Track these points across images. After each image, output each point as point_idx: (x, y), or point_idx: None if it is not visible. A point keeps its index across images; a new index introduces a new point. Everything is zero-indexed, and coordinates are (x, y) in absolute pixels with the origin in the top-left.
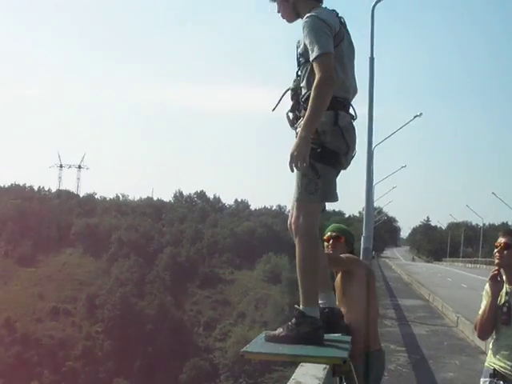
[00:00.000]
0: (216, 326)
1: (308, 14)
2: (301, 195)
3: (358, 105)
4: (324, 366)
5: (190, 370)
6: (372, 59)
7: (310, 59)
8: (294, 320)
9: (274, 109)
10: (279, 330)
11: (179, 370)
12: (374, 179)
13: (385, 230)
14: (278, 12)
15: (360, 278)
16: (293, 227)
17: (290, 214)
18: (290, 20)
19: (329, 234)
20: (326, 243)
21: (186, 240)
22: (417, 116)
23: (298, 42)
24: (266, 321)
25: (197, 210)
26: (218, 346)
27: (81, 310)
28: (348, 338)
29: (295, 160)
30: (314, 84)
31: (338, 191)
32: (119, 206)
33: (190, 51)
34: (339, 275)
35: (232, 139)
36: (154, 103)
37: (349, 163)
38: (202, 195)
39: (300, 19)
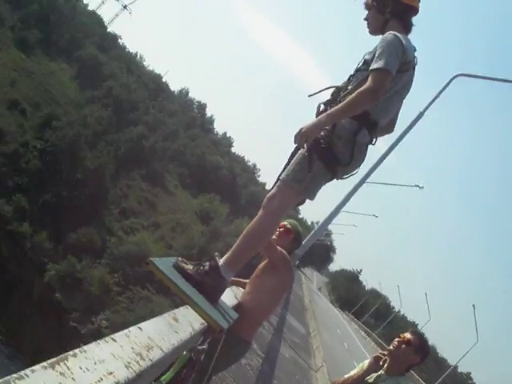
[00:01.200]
0: (129, 216)
1: (392, 32)
2: (287, 177)
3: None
4: (203, 321)
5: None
6: (421, 114)
7: (370, 68)
8: (207, 267)
9: (310, 95)
10: (188, 267)
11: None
12: (346, 206)
13: (319, 253)
14: (365, 20)
15: (281, 277)
16: (265, 200)
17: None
18: (374, 33)
19: (285, 223)
20: (280, 230)
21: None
22: (417, 186)
23: (367, 53)
24: (171, 245)
25: (187, 117)
26: (120, 234)
27: None
28: (235, 315)
29: (301, 135)
30: (359, 89)
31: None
32: None
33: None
34: (265, 262)
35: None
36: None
37: (343, 176)
38: (201, 107)
39: (380, 35)
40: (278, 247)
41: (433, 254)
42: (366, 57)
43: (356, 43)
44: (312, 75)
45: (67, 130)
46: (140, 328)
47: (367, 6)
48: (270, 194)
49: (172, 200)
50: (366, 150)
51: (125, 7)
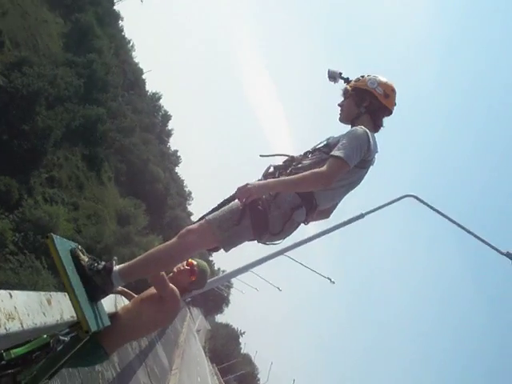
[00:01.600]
0: (55, 187)
1: (363, 127)
2: (214, 220)
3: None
4: (74, 316)
5: None
6: (362, 215)
7: (332, 153)
8: (101, 266)
9: (262, 155)
10: (84, 258)
11: None
12: (256, 268)
13: (213, 299)
14: (339, 105)
15: (165, 313)
16: (183, 230)
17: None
18: (344, 120)
19: (195, 263)
20: (184, 263)
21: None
22: (329, 280)
23: (331, 137)
24: (80, 230)
25: (148, 120)
26: (39, 199)
27: None
28: (107, 323)
29: (245, 190)
30: (315, 170)
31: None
32: None
33: None
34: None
35: None
36: None
37: (266, 242)
38: (166, 117)
39: (348, 125)
40: (171, 284)
41: (316, 346)
42: (330, 140)
43: (323, 121)
44: (279, 135)
45: (35, 80)
46: (11, 295)
47: (345, 94)
48: (191, 226)
49: (100, 190)
50: (298, 226)
51: None
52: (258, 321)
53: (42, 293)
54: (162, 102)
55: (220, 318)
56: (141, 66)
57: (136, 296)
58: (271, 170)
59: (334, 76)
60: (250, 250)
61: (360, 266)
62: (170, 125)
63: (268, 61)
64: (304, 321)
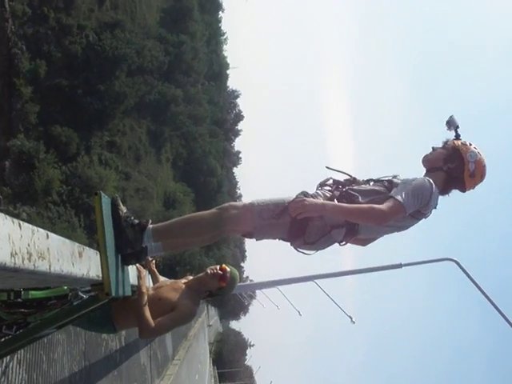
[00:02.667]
0: (113, 152)
1: (431, 180)
2: (257, 205)
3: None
4: (100, 276)
5: None
6: (400, 265)
7: (392, 194)
8: (136, 221)
9: (329, 168)
10: (123, 209)
11: None
12: (283, 286)
13: (233, 304)
14: (432, 148)
15: (182, 313)
16: (226, 204)
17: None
18: (425, 163)
19: (228, 269)
20: (218, 267)
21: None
22: (350, 318)
23: (398, 176)
24: (126, 201)
25: (221, 115)
26: (94, 159)
27: None
28: (129, 293)
29: (302, 205)
30: (376, 205)
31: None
32: None
33: None
34: (183, 290)
35: None
36: None
37: (297, 249)
38: (238, 118)
39: (426, 177)
40: (187, 300)
41: (318, 380)
42: (395, 180)
43: (395, 151)
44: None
45: (123, 45)
46: (48, 235)
47: (444, 145)
48: (234, 203)
49: (155, 168)
50: (332, 244)
51: None
52: (269, 338)
53: (77, 244)
54: (239, 100)
55: (234, 325)
56: (228, 60)
57: (165, 280)
58: (330, 181)
59: (452, 125)
60: (283, 267)
61: (384, 314)
62: (241, 125)
63: (351, 87)
64: (314, 351)
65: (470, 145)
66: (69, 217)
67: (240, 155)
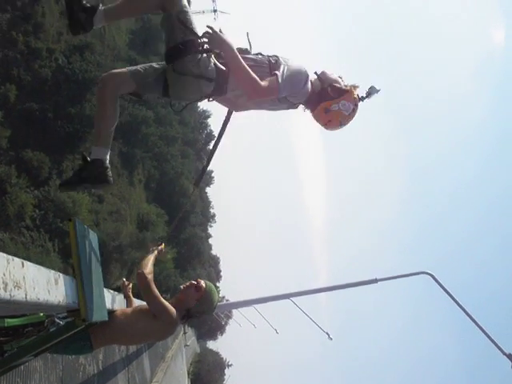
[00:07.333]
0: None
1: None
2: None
3: None
4: (76, 302)
5: None
6: (375, 280)
7: (277, 73)
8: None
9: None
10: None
11: None
12: (260, 305)
13: (210, 324)
14: (331, 75)
15: (160, 329)
16: None
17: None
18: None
19: (202, 282)
20: (192, 283)
21: None
22: (328, 335)
23: (281, 56)
24: (99, 224)
25: (193, 135)
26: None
27: None
28: (104, 318)
29: (213, 35)
30: (258, 80)
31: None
32: None
33: None
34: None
35: None
36: None
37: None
38: (209, 137)
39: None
40: (169, 305)
41: None
42: (280, 60)
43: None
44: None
45: (93, 68)
46: (23, 264)
47: (341, 86)
48: None
49: (128, 190)
50: (200, 95)
51: (215, 11)
52: (248, 357)
53: (53, 271)
54: (210, 120)
55: (211, 345)
56: None
57: (138, 304)
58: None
59: (372, 93)
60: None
61: (360, 329)
62: (212, 145)
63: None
64: (293, 369)
65: (358, 102)
66: (42, 241)
67: (212, 174)
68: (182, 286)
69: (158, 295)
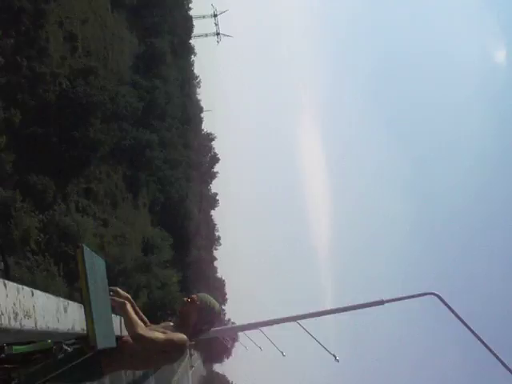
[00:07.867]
0: (90, 199)
1: None
2: None
3: None
4: (85, 329)
5: None
6: (382, 302)
7: None
8: None
9: None
10: None
11: None
12: (266, 328)
13: (216, 347)
14: None
15: (168, 358)
16: None
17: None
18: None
19: (194, 295)
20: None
21: None
22: (334, 357)
23: None
24: (104, 248)
25: (196, 157)
26: (71, 206)
27: None
28: (113, 344)
29: None
30: None
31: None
32: None
33: None
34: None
35: None
36: None
37: None
38: (213, 160)
39: None
40: (174, 334)
41: None
42: None
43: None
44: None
45: (97, 92)
46: (33, 293)
47: None
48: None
49: (133, 213)
50: None
51: (217, 34)
52: (253, 380)
53: (61, 299)
54: (214, 143)
55: (218, 368)
56: (202, 103)
57: (151, 325)
58: None
59: None
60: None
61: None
62: (217, 167)
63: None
64: None
65: None
66: (48, 265)
67: (217, 197)
68: (179, 310)
69: (160, 339)
